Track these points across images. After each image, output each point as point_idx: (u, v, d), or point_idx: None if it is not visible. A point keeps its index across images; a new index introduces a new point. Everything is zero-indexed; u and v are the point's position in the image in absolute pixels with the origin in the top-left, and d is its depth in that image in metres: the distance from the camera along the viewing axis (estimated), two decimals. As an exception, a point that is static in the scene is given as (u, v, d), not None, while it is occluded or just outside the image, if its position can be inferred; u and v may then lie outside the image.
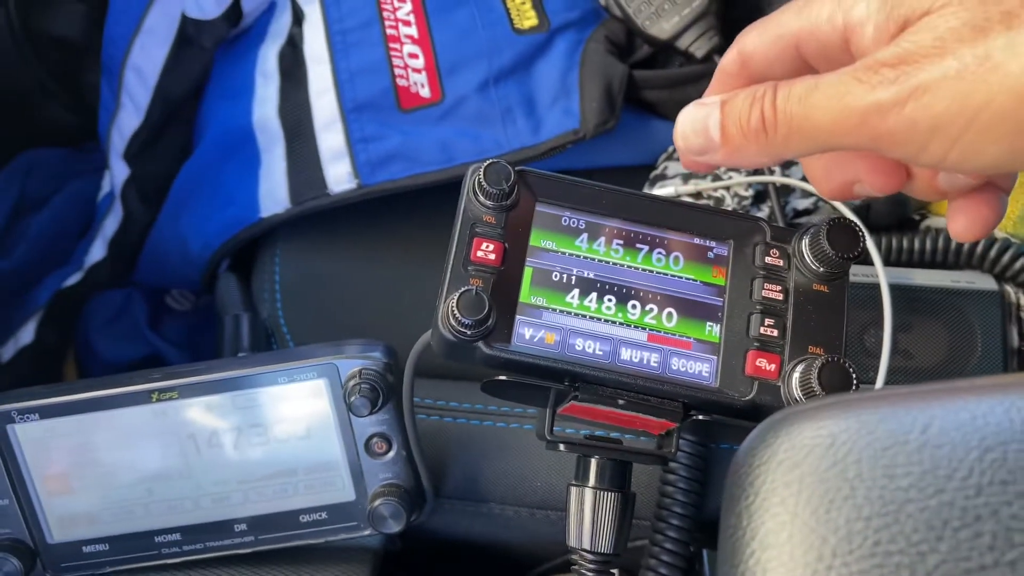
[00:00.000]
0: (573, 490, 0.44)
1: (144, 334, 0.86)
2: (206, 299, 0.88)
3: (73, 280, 0.82)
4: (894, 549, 0.22)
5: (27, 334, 0.83)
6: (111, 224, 0.82)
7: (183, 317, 0.90)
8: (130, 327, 0.87)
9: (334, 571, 0.50)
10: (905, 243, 0.57)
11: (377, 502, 0.48)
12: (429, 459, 0.50)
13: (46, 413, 0.47)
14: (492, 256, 0.40)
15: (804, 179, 0.64)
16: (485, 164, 0.40)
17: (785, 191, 0.64)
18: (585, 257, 0.42)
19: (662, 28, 0.66)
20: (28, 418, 0.47)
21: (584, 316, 0.41)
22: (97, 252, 0.82)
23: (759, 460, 0.26)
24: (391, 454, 0.49)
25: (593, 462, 0.44)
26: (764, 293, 0.41)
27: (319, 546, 0.52)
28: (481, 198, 0.41)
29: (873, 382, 0.49)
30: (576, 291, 0.41)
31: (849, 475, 0.24)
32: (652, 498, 0.51)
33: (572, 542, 0.43)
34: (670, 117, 0.69)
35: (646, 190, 0.66)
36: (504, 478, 0.54)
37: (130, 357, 0.85)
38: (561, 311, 0.41)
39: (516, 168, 0.41)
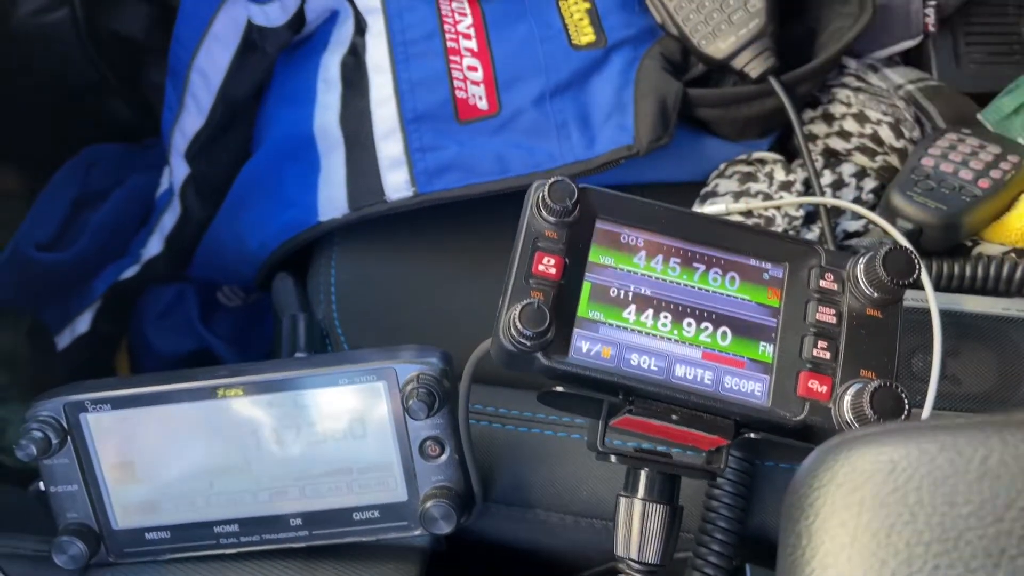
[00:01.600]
0: (622, 501, 0.45)
1: (196, 328, 0.89)
2: (256, 296, 0.91)
3: (130, 273, 0.85)
4: (953, 574, 0.23)
5: (83, 323, 0.86)
6: (169, 220, 0.84)
7: (233, 313, 0.93)
8: (182, 321, 0.89)
9: (383, 569, 0.51)
10: (956, 269, 0.58)
11: (429, 503, 0.50)
12: (478, 464, 0.51)
13: (118, 404, 0.49)
14: (553, 270, 0.41)
15: (855, 202, 0.65)
16: (550, 181, 0.42)
17: (836, 213, 0.65)
18: (643, 274, 0.43)
19: (718, 47, 0.67)
20: (100, 408, 0.49)
21: (640, 332, 0.42)
22: (154, 247, 0.85)
23: (820, 482, 0.27)
24: (444, 457, 0.50)
25: (643, 474, 0.45)
26: (818, 316, 0.42)
27: (370, 544, 0.53)
28: (544, 213, 0.42)
29: (921, 407, 0.50)
30: (633, 307, 0.42)
31: (910, 501, 0.25)
32: (696, 511, 0.52)
33: (620, 551, 0.44)
34: (723, 135, 0.70)
35: (696, 207, 0.67)
36: (551, 485, 0.55)
37: (181, 350, 0.87)
38: (618, 326, 0.42)
39: (579, 186, 0.42)
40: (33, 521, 0.56)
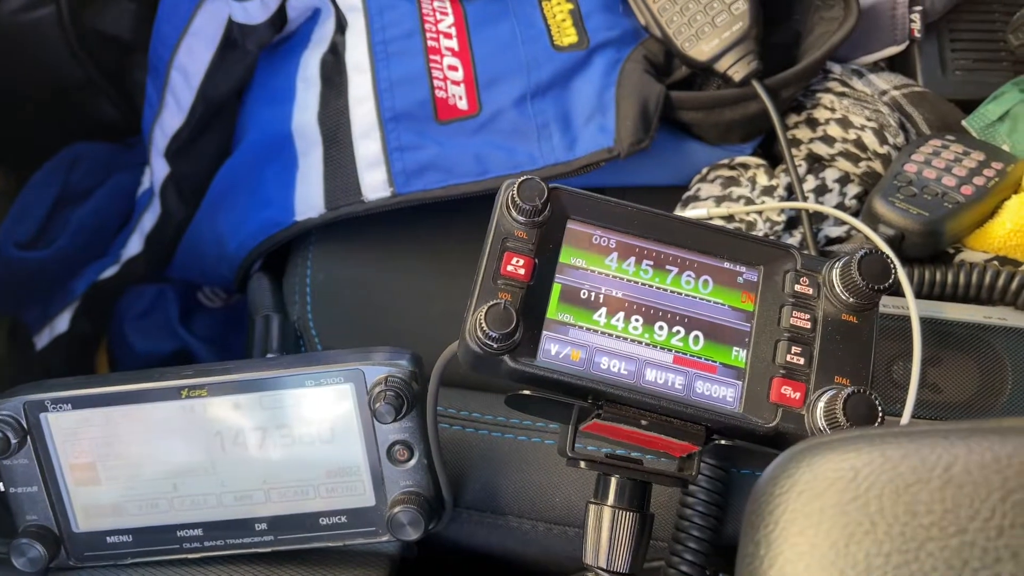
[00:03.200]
0: (592, 508, 0.44)
1: (175, 329, 0.88)
2: (237, 298, 0.90)
3: (110, 273, 0.84)
4: (912, 587, 0.22)
5: (62, 323, 0.85)
6: (149, 220, 0.84)
7: (214, 314, 0.92)
8: (162, 321, 0.89)
9: (350, 574, 0.50)
10: (938, 276, 0.57)
11: (396, 509, 0.49)
12: (449, 469, 0.50)
13: (78, 404, 0.48)
14: (522, 271, 0.41)
15: (838, 207, 0.64)
16: (519, 180, 0.41)
17: (818, 218, 0.64)
18: (614, 276, 0.42)
19: (701, 50, 0.66)
20: (61, 408, 0.48)
21: (611, 335, 0.41)
22: (134, 246, 0.84)
23: (780, 489, 0.26)
24: (412, 462, 0.49)
25: (613, 481, 0.44)
26: (792, 321, 0.41)
27: (336, 549, 0.52)
28: (514, 213, 0.41)
29: (900, 414, 0.49)
30: (604, 310, 0.41)
31: (870, 509, 0.24)
32: (670, 519, 0.51)
33: (588, 559, 0.43)
34: (705, 139, 0.69)
35: (679, 211, 0.66)
36: (523, 491, 0.54)
37: (161, 350, 0.87)
38: (588, 329, 0.41)
39: (550, 185, 0.41)
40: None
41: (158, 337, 0.88)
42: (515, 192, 0.41)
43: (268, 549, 0.51)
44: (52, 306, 0.86)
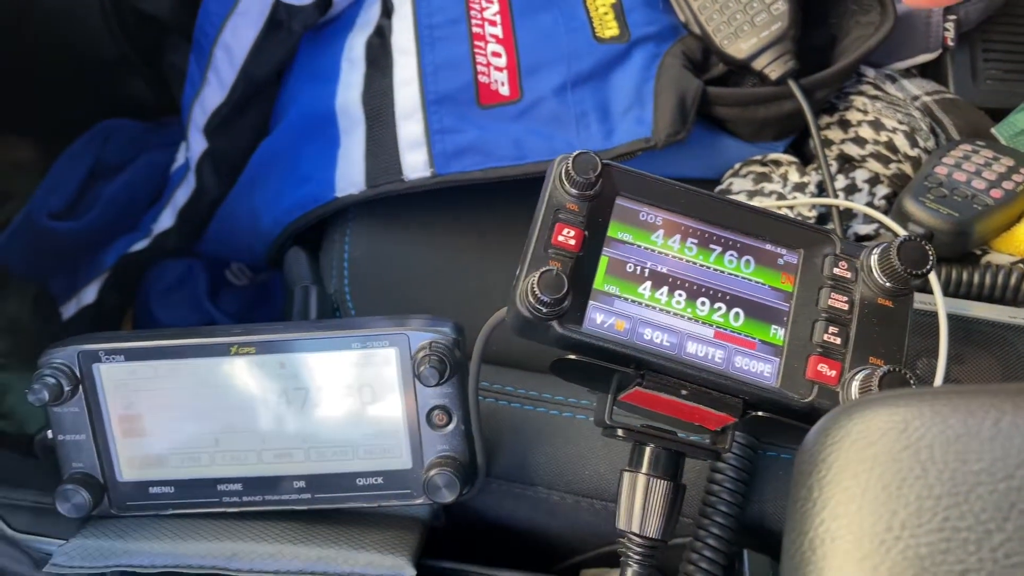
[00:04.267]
0: (626, 475, 0.45)
1: (202, 303, 0.89)
2: (263, 276, 0.91)
3: (140, 246, 0.85)
4: (962, 526, 0.24)
5: (90, 294, 0.86)
6: (183, 195, 0.85)
7: (240, 292, 0.93)
8: (189, 296, 0.90)
9: (384, 536, 0.51)
10: (965, 276, 0.58)
11: (432, 472, 0.50)
12: (483, 438, 0.52)
13: (131, 355, 0.50)
14: (572, 241, 0.42)
15: (868, 205, 0.65)
16: (575, 154, 0.42)
17: (847, 216, 0.65)
18: (660, 252, 0.44)
19: (739, 48, 0.68)
20: (113, 359, 0.50)
21: (654, 308, 0.43)
22: (166, 221, 0.85)
23: (833, 439, 0.27)
24: (450, 427, 0.51)
25: (648, 450, 0.45)
26: (830, 302, 0.43)
27: (370, 511, 0.54)
28: (567, 186, 0.43)
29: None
30: (648, 283, 0.43)
31: (922, 457, 0.25)
32: (696, 497, 0.53)
33: (621, 524, 0.45)
34: (739, 135, 0.70)
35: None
36: (554, 463, 0.55)
37: (187, 325, 0.88)
38: (632, 301, 0.42)
39: (603, 161, 0.43)
40: (31, 486, 0.56)
41: (185, 311, 0.89)
42: (570, 165, 0.42)
43: (305, 507, 0.52)
44: (81, 277, 0.88)
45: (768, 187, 0.66)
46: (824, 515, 0.26)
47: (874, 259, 0.43)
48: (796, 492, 0.27)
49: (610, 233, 0.43)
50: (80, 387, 0.50)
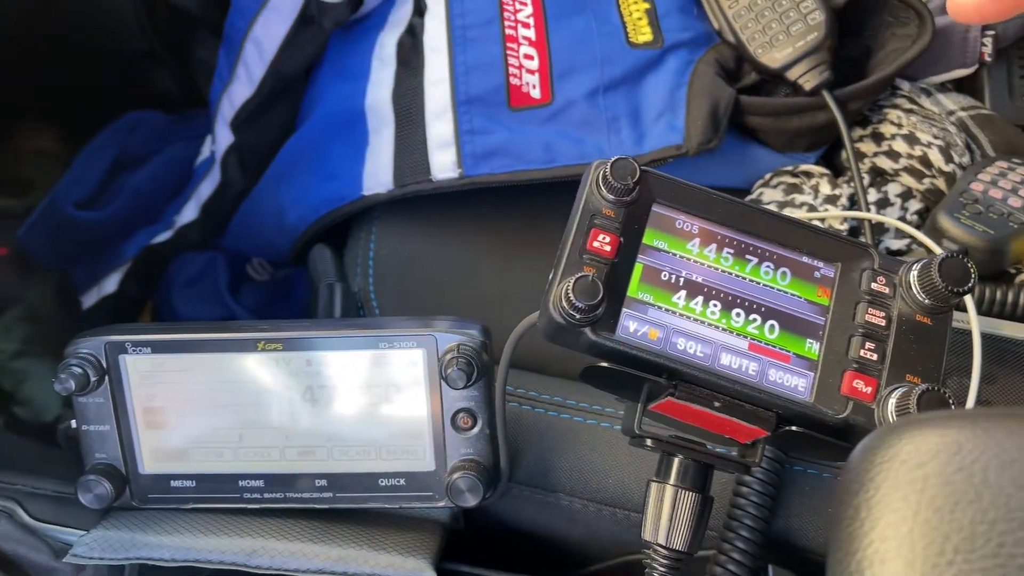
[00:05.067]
0: (654, 485, 0.45)
1: (223, 297, 0.89)
2: (284, 272, 0.91)
3: (163, 238, 0.86)
4: (1018, 552, 0.23)
5: (111, 284, 0.87)
6: (207, 188, 0.85)
7: (260, 287, 0.93)
8: (210, 289, 0.90)
9: (404, 538, 0.51)
10: (999, 295, 0.58)
11: (456, 475, 0.50)
12: (507, 442, 0.51)
13: (158, 348, 0.50)
14: (607, 248, 0.42)
15: (900, 219, 0.65)
16: (613, 159, 0.42)
17: (878, 230, 0.65)
18: (695, 261, 0.43)
19: (774, 57, 0.67)
20: (140, 350, 0.50)
21: (688, 317, 0.42)
22: (189, 213, 0.85)
23: (882, 458, 0.27)
24: (475, 430, 0.50)
25: (676, 461, 0.45)
26: (867, 317, 0.42)
27: (391, 512, 0.53)
28: (604, 191, 0.42)
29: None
30: (683, 292, 0.42)
31: (976, 480, 0.25)
32: (721, 510, 0.52)
33: (647, 536, 0.44)
34: (771, 145, 0.70)
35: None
36: (577, 471, 0.55)
37: (206, 318, 0.88)
38: (667, 310, 0.42)
39: (641, 167, 0.42)
40: (49, 475, 0.56)
41: (205, 304, 0.89)
42: (608, 170, 0.42)
43: (326, 506, 0.52)
44: (102, 267, 0.88)
45: (799, 199, 0.66)
46: (873, 536, 0.25)
47: (914, 275, 0.42)
48: (842, 511, 0.27)
49: (645, 240, 0.43)
50: (106, 378, 0.50)
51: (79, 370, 0.49)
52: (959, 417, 0.27)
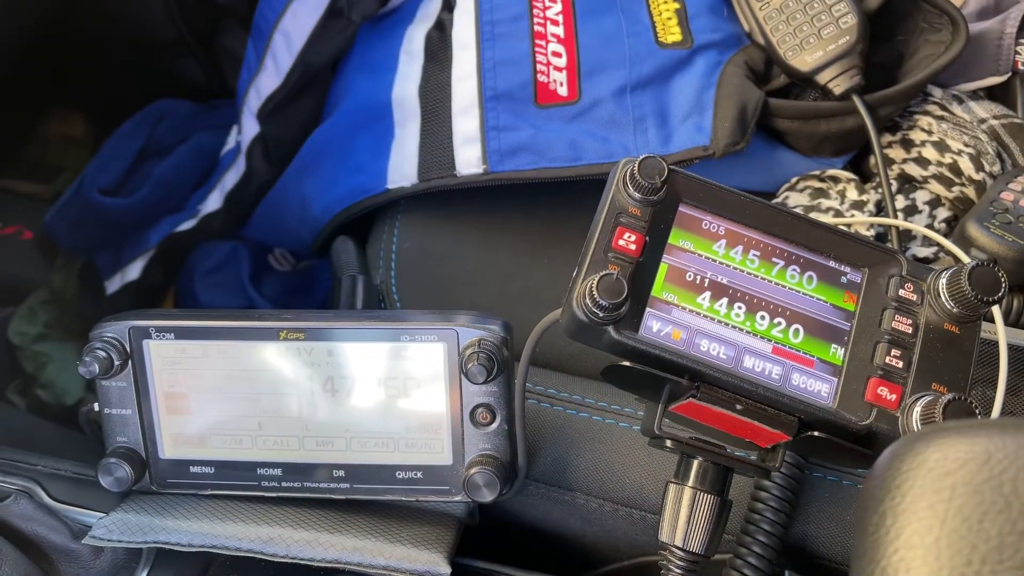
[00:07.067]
0: (672, 487, 0.44)
1: (244, 286, 0.90)
2: (305, 263, 0.91)
3: (187, 226, 0.86)
4: (1048, 565, 0.23)
5: (135, 271, 0.87)
6: (231, 178, 0.85)
7: (281, 277, 0.93)
8: (232, 278, 0.90)
9: (420, 531, 0.51)
10: (1026, 305, 0.57)
11: (473, 470, 0.50)
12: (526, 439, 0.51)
13: (181, 334, 0.50)
14: (633, 246, 0.41)
15: (928, 227, 0.64)
16: (641, 158, 0.41)
17: (905, 237, 0.64)
18: (721, 263, 0.43)
19: (804, 60, 0.67)
20: (164, 336, 0.50)
21: (713, 319, 0.42)
22: (213, 202, 0.86)
23: (908, 466, 0.26)
24: (493, 426, 0.50)
25: (695, 463, 0.45)
26: (894, 324, 0.42)
27: (407, 505, 0.54)
28: (631, 189, 0.42)
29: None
30: (708, 294, 0.42)
31: (1005, 490, 0.24)
32: (738, 514, 0.52)
33: (664, 537, 0.44)
34: (798, 149, 0.69)
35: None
36: (594, 470, 0.55)
37: (227, 307, 0.88)
38: (691, 310, 0.42)
39: (669, 167, 0.42)
40: (68, 457, 0.56)
41: (226, 293, 0.90)
42: (635, 168, 0.41)
43: (343, 496, 0.52)
44: (126, 254, 0.89)
45: (825, 203, 0.65)
46: (898, 544, 0.25)
47: (943, 283, 0.42)
48: (866, 518, 0.27)
49: (671, 240, 0.43)
50: (129, 362, 0.50)
51: (103, 354, 0.49)
52: (988, 426, 0.27)
